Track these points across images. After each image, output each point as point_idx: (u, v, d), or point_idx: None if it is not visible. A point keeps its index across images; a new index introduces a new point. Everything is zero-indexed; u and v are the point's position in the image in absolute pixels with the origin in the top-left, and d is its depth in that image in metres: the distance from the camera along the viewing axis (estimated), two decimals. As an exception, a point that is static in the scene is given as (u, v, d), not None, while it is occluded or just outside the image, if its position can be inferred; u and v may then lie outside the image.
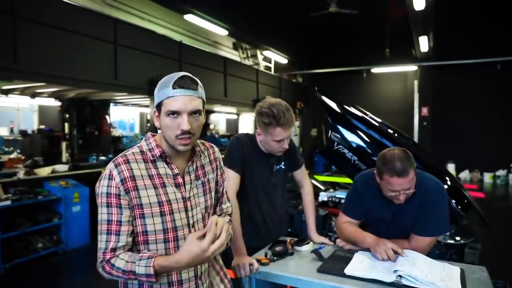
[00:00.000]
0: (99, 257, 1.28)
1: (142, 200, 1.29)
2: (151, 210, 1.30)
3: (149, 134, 1.42)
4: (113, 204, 1.28)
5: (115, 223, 1.28)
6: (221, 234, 1.22)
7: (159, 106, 1.32)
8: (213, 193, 1.50)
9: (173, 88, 1.28)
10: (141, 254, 1.27)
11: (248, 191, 2.18)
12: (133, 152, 1.36)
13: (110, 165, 1.31)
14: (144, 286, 1.33)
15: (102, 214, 1.29)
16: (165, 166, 1.36)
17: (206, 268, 1.44)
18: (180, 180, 1.37)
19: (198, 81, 1.35)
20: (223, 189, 1.59)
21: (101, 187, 1.30)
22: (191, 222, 1.38)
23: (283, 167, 2.32)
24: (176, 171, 1.37)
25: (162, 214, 1.31)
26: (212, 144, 1.59)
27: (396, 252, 1.74)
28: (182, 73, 1.32)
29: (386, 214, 1.96)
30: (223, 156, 1.87)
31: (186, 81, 1.30)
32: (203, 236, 1.22)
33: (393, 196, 1.82)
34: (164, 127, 1.31)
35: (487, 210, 3.51)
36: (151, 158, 1.35)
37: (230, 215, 1.63)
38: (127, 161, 1.32)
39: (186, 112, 1.28)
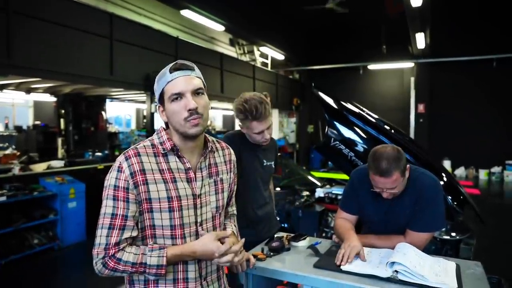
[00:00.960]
0: (98, 254, 1.23)
1: (151, 194, 1.27)
2: (160, 205, 1.27)
3: (161, 127, 1.40)
4: (120, 198, 1.25)
5: (120, 217, 1.24)
6: (235, 253, 1.30)
7: (161, 97, 1.32)
8: (225, 194, 1.47)
9: (171, 72, 1.29)
10: (150, 245, 1.26)
11: (241, 187, 2.19)
12: (144, 145, 1.33)
13: (121, 158, 1.28)
14: (150, 283, 1.31)
15: (107, 207, 1.25)
16: (177, 160, 1.34)
17: (214, 270, 1.42)
18: (192, 175, 1.35)
19: (194, 64, 1.36)
20: (233, 192, 1.58)
21: (110, 179, 1.27)
22: (199, 220, 1.35)
23: (273, 166, 2.41)
24: (188, 165, 1.35)
25: (170, 210, 1.28)
26: (228, 146, 1.57)
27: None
28: (177, 60, 1.34)
29: (381, 210, 1.97)
30: None
31: (181, 64, 1.32)
32: (222, 238, 1.30)
33: (378, 192, 1.84)
34: (171, 115, 1.30)
35: (482, 206, 3.52)
36: (162, 152, 1.32)
37: (235, 217, 1.65)
38: (138, 154, 1.29)
39: (188, 91, 1.28)
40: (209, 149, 1.41)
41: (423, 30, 9.94)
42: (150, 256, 1.22)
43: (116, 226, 1.24)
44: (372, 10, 11.21)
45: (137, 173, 1.26)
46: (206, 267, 1.38)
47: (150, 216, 1.28)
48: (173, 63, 1.32)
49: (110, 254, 1.22)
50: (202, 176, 1.38)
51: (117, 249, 1.23)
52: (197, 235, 1.34)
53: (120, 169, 1.26)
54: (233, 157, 1.56)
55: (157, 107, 1.36)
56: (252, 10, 10.48)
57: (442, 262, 1.73)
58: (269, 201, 2.43)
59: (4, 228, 4.54)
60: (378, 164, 1.75)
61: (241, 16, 9.77)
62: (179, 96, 1.28)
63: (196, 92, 1.30)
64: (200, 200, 1.36)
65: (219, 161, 1.47)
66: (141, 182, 1.26)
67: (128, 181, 1.25)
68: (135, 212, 1.27)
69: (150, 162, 1.29)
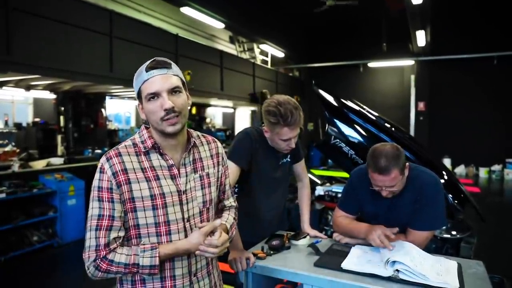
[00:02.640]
0: (89, 257, 1.22)
1: (134, 193, 1.26)
2: (143, 203, 1.27)
3: (142, 126, 1.39)
4: (104, 199, 1.25)
5: (106, 218, 1.24)
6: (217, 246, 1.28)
7: (139, 96, 1.31)
8: (212, 188, 1.45)
9: (146, 71, 1.28)
10: (141, 245, 1.25)
11: (252, 186, 2.15)
12: (125, 145, 1.33)
13: (102, 159, 1.29)
14: (137, 282, 1.31)
15: (93, 208, 1.26)
16: (159, 157, 1.33)
17: (204, 266, 1.41)
18: (175, 171, 1.34)
19: (171, 61, 1.34)
20: (225, 186, 1.56)
21: (94, 181, 1.28)
22: (186, 216, 1.34)
23: (288, 160, 2.31)
24: (170, 162, 1.34)
25: (154, 207, 1.28)
26: (215, 139, 1.55)
27: (388, 237, 1.74)
28: (153, 58, 1.32)
29: (380, 209, 1.96)
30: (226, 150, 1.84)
31: (158, 62, 1.30)
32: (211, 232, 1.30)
33: (377, 190, 1.83)
34: (149, 114, 1.29)
35: (482, 205, 3.52)
36: (144, 150, 1.32)
37: (234, 209, 1.62)
38: (119, 154, 1.29)
39: (164, 90, 1.26)
40: (191, 144, 1.40)
41: (423, 27, 9.91)
42: (143, 257, 1.22)
43: (103, 227, 1.24)
44: (372, 8, 11.18)
45: (119, 173, 1.26)
46: (196, 263, 1.37)
47: (134, 215, 1.28)
48: (150, 60, 1.30)
49: (101, 256, 1.22)
50: (186, 172, 1.37)
51: (108, 251, 1.23)
52: (185, 231, 1.34)
53: (102, 170, 1.27)
54: (221, 150, 1.54)
55: (137, 105, 1.35)
56: (252, 7, 10.45)
57: (443, 261, 1.72)
58: (280, 202, 2.34)
59: (4, 225, 4.53)
60: (377, 161, 1.75)
61: (241, 14, 9.75)
62: (155, 95, 1.27)
63: (173, 91, 1.28)
64: (186, 196, 1.35)
65: (204, 155, 1.46)
66: (124, 182, 1.26)
67: (111, 181, 1.25)
68: (121, 212, 1.27)
69: (132, 162, 1.29)
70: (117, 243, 1.25)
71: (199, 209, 1.39)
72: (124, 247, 1.26)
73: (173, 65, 1.33)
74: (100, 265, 1.22)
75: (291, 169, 2.42)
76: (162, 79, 1.27)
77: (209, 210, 1.43)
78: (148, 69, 1.28)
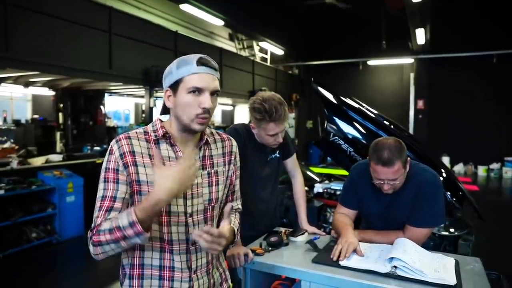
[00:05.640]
0: (88, 237, 1.24)
1: (140, 176, 1.26)
2: (148, 188, 1.26)
3: (157, 118, 1.39)
4: (110, 179, 1.25)
5: (108, 199, 1.24)
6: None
7: (176, 84, 1.28)
8: (220, 186, 1.43)
9: (197, 65, 1.26)
10: None
11: (243, 182, 2.16)
12: (136, 131, 1.33)
13: (112, 142, 1.30)
14: (135, 267, 1.30)
15: (99, 190, 1.27)
16: (169, 148, 1.33)
17: (204, 264, 1.39)
18: None
19: None
20: (235, 186, 1.55)
21: (103, 163, 1.28)
22: (189, 211, 1.33)
23: (277, 155, 2.33)
24: (180, 154, 1.33)
25: None
26: (230, 137, 1.54)
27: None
28: (201, 55, 1.31)
29: (380, 205, 1.96)
30: None
31: (209, 61, 1.30)
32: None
33: (379, 184, 1.83)
34: (183, 105, 1.27)
35: (481, 203, 3.53)
36: (154, 138, 1.32)
37: (239, 214, 1.62)
38: (128, 137, 1.29)
39: (209, 90, 1.27)
40: (203, 141, 1.40)
41: (423, 25, 9.91)
42: (121, 218, 1.16)
43: (103, 207, 1.24)
44: (372, 6, 11.17)
45: (126, 154, 1.26)
46: (196, 260, 1.36)
47: (139, 199, 1.27)
48: (199, 56, 1.29)
49: (94, 232, 1.21)
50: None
51: (99, 226, 1.22)
52: (186, 226, 1.32)
53: (111, 152, 1.28)
54: (235, 149, 1.53)
55: (165, 90, 1.33)
56: (252, 4, 10.43)
57: (441, 258, 1.73)
58: (272, 196, 2.37)
59: (2, 222, 4.53)
60: (380, 154, 1.74)
61: (240, 11, 9.73)
62: (198, 90, 1.26)
63: (214, 93, 1.30)
64: (192, 191, 1.34)
65: (215, 153, 1.45)
66: (131, 163, 1.26)
67: (118, 162, 1.26)
68: (124, 193, 1.26)
69: (140, 146, 1.29)
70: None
71: (204, 206, 1.38)
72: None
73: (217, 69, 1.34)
74: (93, 239, 1.21)
75: (283, 165, 2.43)
76: (210, 79, 1.28)
77: (214, 208, 1.42)
78: (199, 63, 1.27)
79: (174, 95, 1.29)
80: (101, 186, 1.27)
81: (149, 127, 1.36)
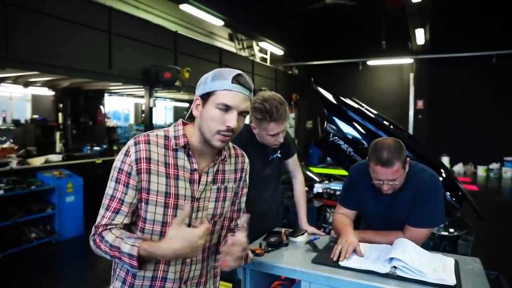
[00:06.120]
0: (92, 231, 1.26)
1: (151, 185, 1.25)
2: (156, 198, 1.26)
3: (180, 120, 1.37)
4: (121, 181, 1.25)
5: (117, 200, 1.25)
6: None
7: (207, 95, 1.26)
8: (226, 203, 1.42)
9: (232, 82, 1.24)
10: (135, 234, 1.26)
11: None
12: (157, 134, 1.30)
13: (130, 142, 1.27)
14: (129, 275, 1.30)
15: (109, 188, 1.27)
16: (185, 158, 1.31)
17: (196, 276, 1.37)
18: (196, 176, 1.31)
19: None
20: (241, 204, 1.52)
21: (117, 161, 1.27)
22: (193, 224, 1.31)
23: (279, 155, 2.33)
24: (195, 166, 1.31)
25: (165, 205, 1.26)
26: (244, 153, 1.52)
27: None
28: (239, 71, 1.29)
29: (379, 205, 1.96)
30: None
31: (245, 80, 1.28)
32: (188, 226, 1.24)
33: (378, 185, 1.83)
34: (208, 118, 1.26)
35: (480, 203, 3.53)
36: (174, 147, 1.30)
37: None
38: (148, 142, 1.27)
39: (237, 109, 1.25)
40: (222, 157, 1.37)
41: (423, 26, 9.91)
42: (126, 243, 1.18)
43: (111, 208, 1.25)
44: (372, 5, 11.17)
45: (142, 160, 1.24)
46: (189, 272, 1.35)
47: (145, 208, 1.26)
48: (236, 72, 1.27)
49: (98, 233, 1.24)
50: (207, 181, 1.34)
51: (104, 229, 1.24)
52: None
53: (127, 153, 1.26)
54: (246, 166, 1.51)
55: (195, 98, 1.31)
56: (252, 4, 10.42)
57: (440, 258, 1.73)
58: (274, 196, 2.37)
59: (2, 222, 4.52)
60: (380, 154, 1.74)
61: (240, 11, 9.72)
62: (227, 108, 1.25)
63: (242, 113, 1.28)
64: (198, 204, 1.33)
65: (228, 168, 1.43)
66: (144, 171, 1.25)
67: (132, 166, 1.24)
68: (132, 198, 1.26)
69: (158, 153, 1.27)
70: (117, 227, 1.25)
71: (207, 220, 1.36)
72: (121, 229, 1.25)
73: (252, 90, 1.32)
74: (95, 239, 1.24)
75: (284, 165, 2.43)
76: (241, 99, 1.26)
77: (216, 224, 1.41)
78: (235, 81, 1.25)
79: (203, 105, 1.28)
80: (111, 184, 1.26)
81: (171, 131, 1.33)
